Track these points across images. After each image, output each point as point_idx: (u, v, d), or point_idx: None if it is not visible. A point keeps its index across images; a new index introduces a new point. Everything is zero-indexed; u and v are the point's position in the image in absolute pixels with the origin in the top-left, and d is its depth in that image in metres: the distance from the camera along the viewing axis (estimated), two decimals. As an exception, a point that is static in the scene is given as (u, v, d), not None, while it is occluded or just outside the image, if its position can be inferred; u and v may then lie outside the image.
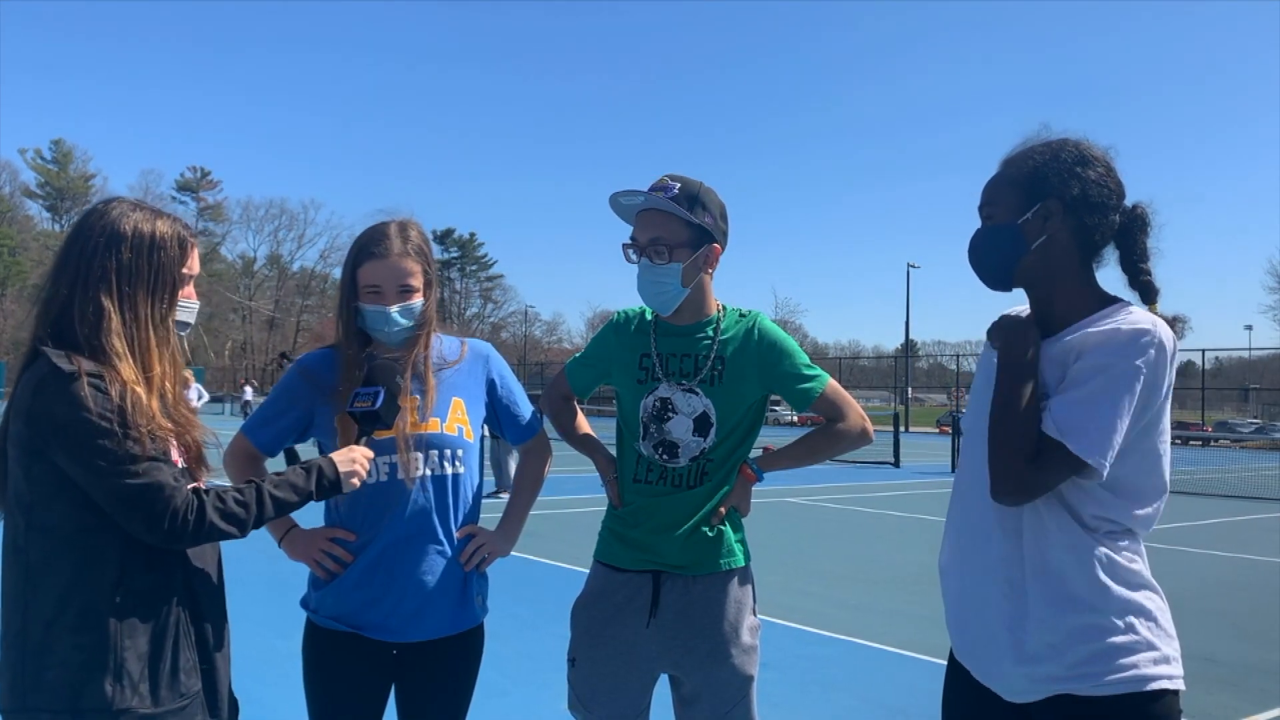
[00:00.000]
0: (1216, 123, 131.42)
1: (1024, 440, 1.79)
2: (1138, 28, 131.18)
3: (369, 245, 2.32)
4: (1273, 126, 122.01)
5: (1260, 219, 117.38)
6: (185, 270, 1.97)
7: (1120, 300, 1.90)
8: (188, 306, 2.01)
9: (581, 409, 2.80)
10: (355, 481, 2.12)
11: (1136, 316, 1.82)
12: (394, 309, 2.30)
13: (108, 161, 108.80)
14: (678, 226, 2.45)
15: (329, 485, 2.07)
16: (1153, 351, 1.76)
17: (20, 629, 1.82)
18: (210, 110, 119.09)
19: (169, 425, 1.87)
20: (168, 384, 1.90)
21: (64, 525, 1.82)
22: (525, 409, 2.58)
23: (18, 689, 1.81)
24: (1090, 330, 1.81)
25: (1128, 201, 1.94)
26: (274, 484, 1.99)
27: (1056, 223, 1.89)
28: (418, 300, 2.35)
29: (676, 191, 2.43)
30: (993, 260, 1.96)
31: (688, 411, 2.47)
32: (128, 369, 1.83)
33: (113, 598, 1.84)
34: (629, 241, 2.51)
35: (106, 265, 1.86)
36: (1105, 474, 1.74)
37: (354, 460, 2.13)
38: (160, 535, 1.82)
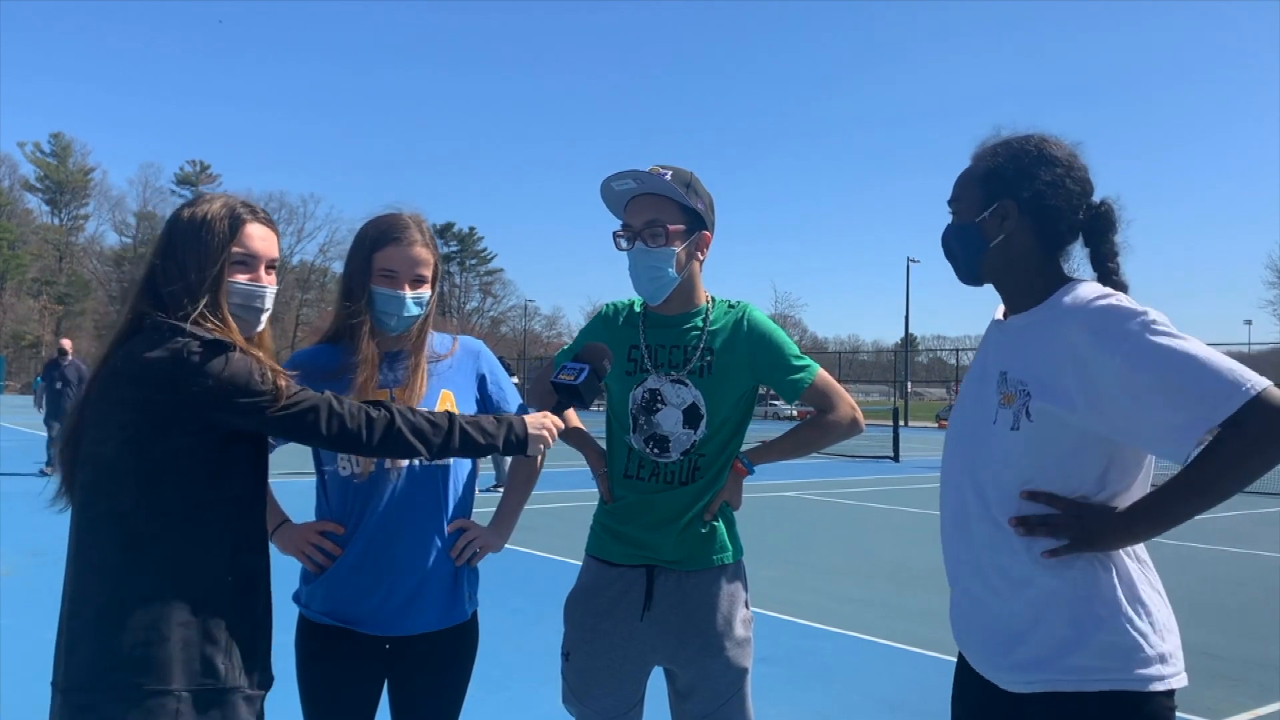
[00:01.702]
0: (1217, 117, 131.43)
1: (1242, 482, 1.69)
2: (1142, 22, 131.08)
3: (390, 231, 2.33)
4: (1272, 121, 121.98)
5: (1260, 213, 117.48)
6: (236, 249, 1.95)
7: (1069, 280, 1.88)
8: (248, 289, 1.98)
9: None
10: (541, 447, 2.20)
11: (1084, 292, 1.80)
12: (409, 295, 2.31)
13: (107, 155, 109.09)
14: (673, 210, 2.43)
15: (516, 442, 2.14)
16: (1126, 301, 1.74)
17: (110, 602, 1.77)
18: (210, 104, 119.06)
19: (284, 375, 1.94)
20: None
21: (179, 496, 1.83)
22: (516, 406, 2.56)
23: (98, 664, 1.75)
24: (1080, 336, 1.74)
25: (1095, 197, 1.92)
26: (465, 420, 2.08)
27: (1013, 223, 1.89)
28: (427, 291, 2.36)
29: (669, 177, 2.42)
30: (959, 257, 1.98)
31: (676, 403, 2.45)
32: (236, 338, 1.90)
33: (226, 576, 1.87)
34: (620, 230, 2.48)
35: (170, 251, 1.93)
36: (1264, 388, 1.60)
37: (543, 425, 2.20)
38: (349, 439, 1.94)
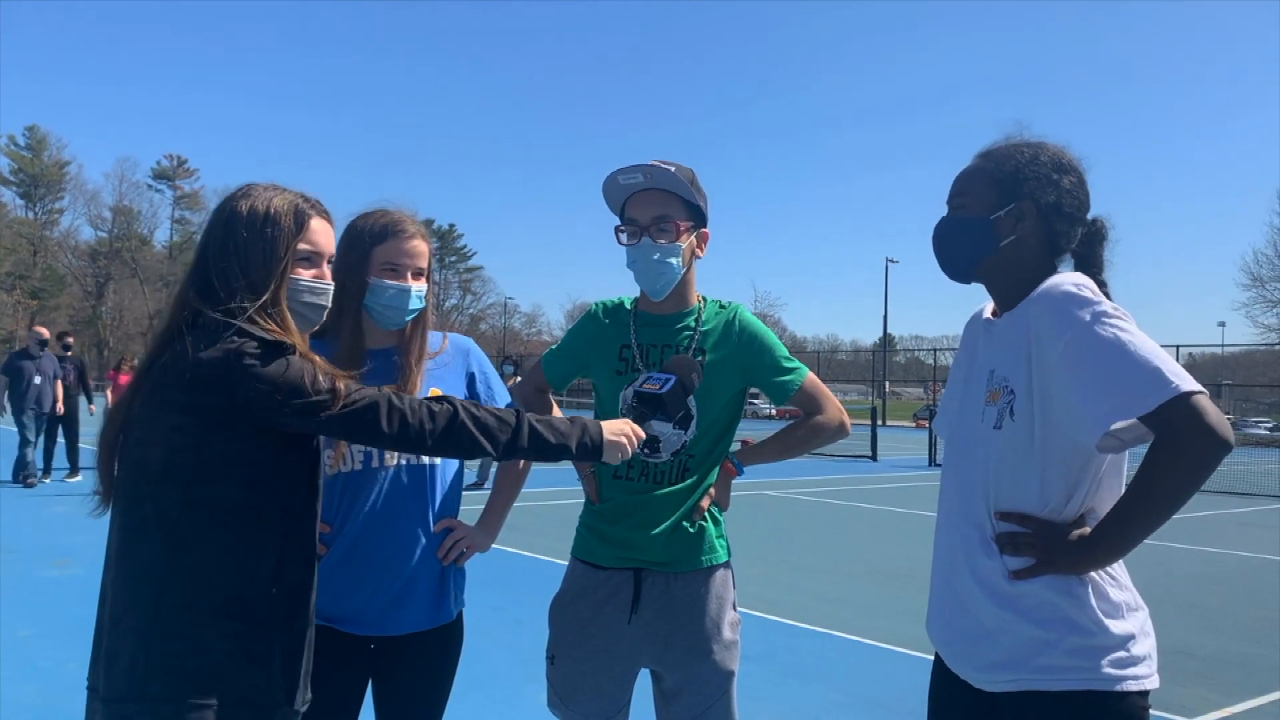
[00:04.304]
0: (1193, 119, 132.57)
1: (1176, 495, 1.66)
2: (1120, 20, 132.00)
3: (391, 225, 2.32)
4: (1249, 123, 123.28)
5: (1234, 216, 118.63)
6: (303, 245, 1.88)
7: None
8: (313, 287, 1.91)
9: (558, 402, 2.79)
10: (618, 455, 2.04)
11: (1058, 280, 1.82)
12: (414, 287, 2.31)
13: (83, 148, 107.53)
14: (679, 205, 2.44)
15: (590, 446, 2.00)
16: (1089, 292, 1.76)
17: (153, 610, 1.70)
18: (187, 98, 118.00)
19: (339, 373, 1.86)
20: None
21: (227, 502, 1.74)
22: (505, 405, 2.56)
23: (136, 674, 1.68)
24: (1037, 317, 1.78)
25: (1089, 214, 1.95)
26: (536, 418, 1.95)
27: (1028, 225, 1.90)
28: (425, 284, 2.36)
29: (674, 172, 2.42)
30: (958, 252, 1.97)
31: None
32: (294, 338, 1.82)
33: (269, 588, 1.78)
34: (623, 224, 2.48)
35: (228, 245, 1.84)
36: (1190, 387, 1.61)
37: (623, 433, 2.05)
38: (411, 437, 1.83)
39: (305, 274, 1.90)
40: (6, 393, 12.89)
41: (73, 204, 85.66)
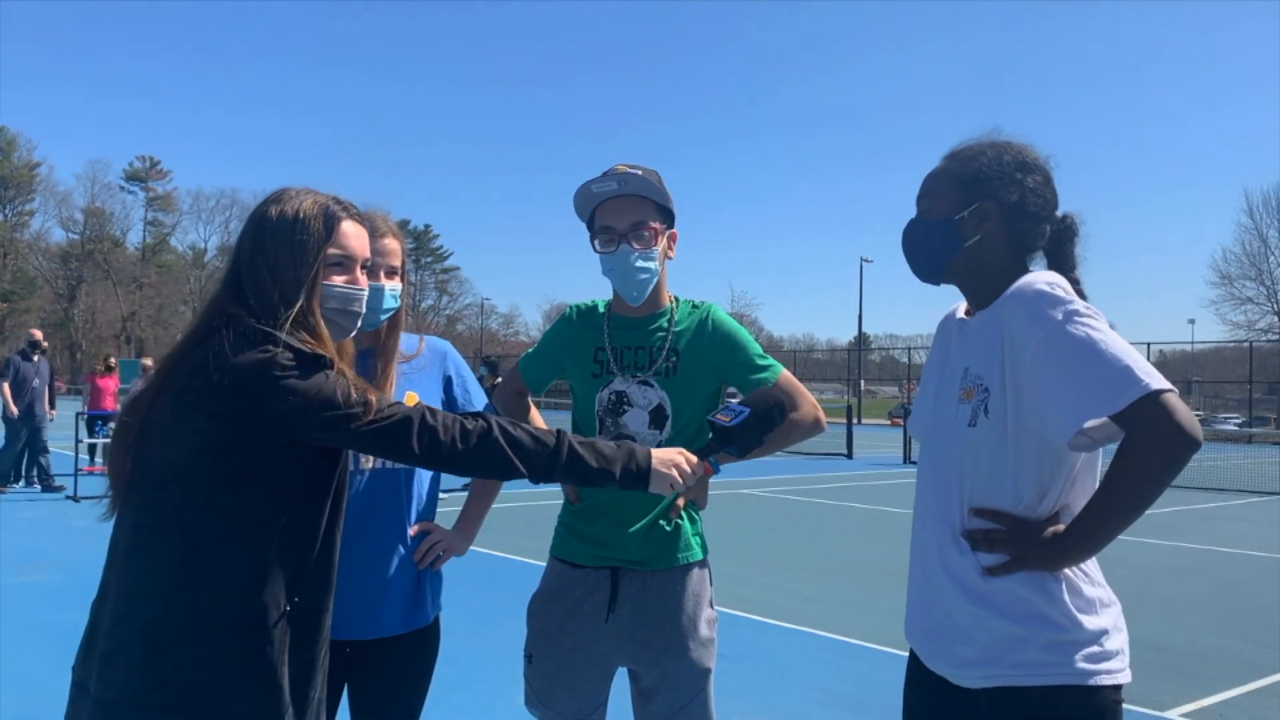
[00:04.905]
0: (1161, 117, 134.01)
1: (1147, 492, 1.69)
2: (1093, 18, 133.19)
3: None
4: (1219, 119, 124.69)
5: (1204, 214, 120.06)
6: (333, 250, 1.83)
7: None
8: (346, 292, 1.86)
9: (538, 403, 2.79)
10: (667, 486, 1.91)
11: (1031, 279, 1.83)
12: (388, 287, 2.29)
13: (53, 150, 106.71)
14: (652, 210, 2.45)
15: (635, 473, 1.87)
16: (1061, 291, 1.78)
17: (158, 616, 1.64)
18: (159, 100, 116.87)
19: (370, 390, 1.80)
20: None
21: (249, 513, 1.68)
22: (483, 408, 2.56)
23: (135, 680, 1.62)
24: (1009, 316, 1.80)
25: (1059, 211, 1.97)
26: (578, 440, 1.85)
27: (991, 225, 1.91)
28: (399, 283, 2.34)
29: (644, 176, 2.43)
30: (926, 254, 1.98)
31: (643, 404, 2.47)
32: (328, 348, 1.77)
33: (284, 605, 1.71)
34: (599, 232, 2.48)
35: (259, 251, 1.79)
36: (1160, 385, 1.63)
37: (674, 463, 1.92)
38: (442, 455, 1.76)
39: (337, 280, 1.85)
40: (9, 395, 12.44)
41: (43, 206, 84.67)
